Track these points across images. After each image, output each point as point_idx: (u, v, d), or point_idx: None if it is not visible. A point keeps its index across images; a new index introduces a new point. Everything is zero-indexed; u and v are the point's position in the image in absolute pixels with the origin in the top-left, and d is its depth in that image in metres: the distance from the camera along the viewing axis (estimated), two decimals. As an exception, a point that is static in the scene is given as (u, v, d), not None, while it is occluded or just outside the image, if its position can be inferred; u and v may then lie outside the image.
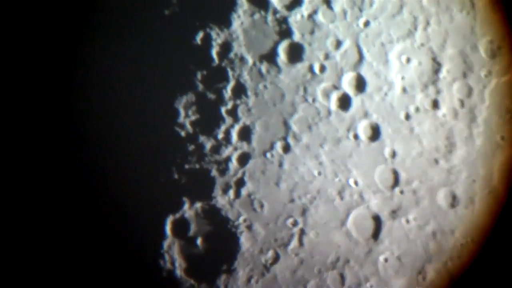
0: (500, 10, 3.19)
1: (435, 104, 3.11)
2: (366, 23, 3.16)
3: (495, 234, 3.05)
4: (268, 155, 3.03)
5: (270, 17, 3.13)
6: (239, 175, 3.02)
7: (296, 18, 3.14)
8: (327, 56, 3.12)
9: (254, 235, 2.99)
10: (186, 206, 3.01)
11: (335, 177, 3.04)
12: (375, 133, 3.09)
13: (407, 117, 3.10)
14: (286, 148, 3.04)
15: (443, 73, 3.14)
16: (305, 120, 3.07)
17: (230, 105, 3.07)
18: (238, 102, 3.07)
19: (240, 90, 3.08)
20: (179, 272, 2.98)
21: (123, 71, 3.09)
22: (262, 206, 3.00)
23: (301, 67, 3.11)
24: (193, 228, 3.01)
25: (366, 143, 3.08)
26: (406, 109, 3.11)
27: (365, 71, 3.12)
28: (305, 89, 3.09)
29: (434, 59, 3.15)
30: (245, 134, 3.05)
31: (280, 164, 3.03)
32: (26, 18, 3.14)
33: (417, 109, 3.11)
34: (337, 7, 3.16)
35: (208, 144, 3.04)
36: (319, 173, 3.03)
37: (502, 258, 3.04)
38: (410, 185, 3.05)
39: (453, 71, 3.15)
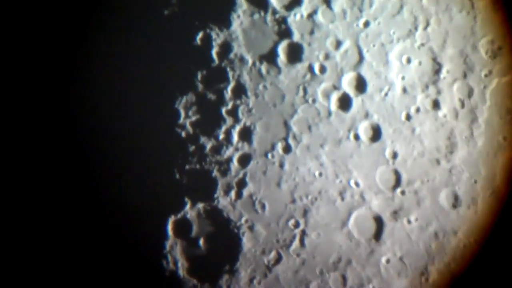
0: (500, 10, 3.19)
1: (436, 105, 3.11)
2: (366, 23, 3.16)
3: (498, 235, 3.04)
4: (269, 156, 3.03)
5: (269, 17, 3.14)
6: (241, 176, 3.02)
7: (296, 18, 3.15)
8: (327, 57, 3.13)
9: (256, 235, 2.98)
10: (188, 207, 3.01)
11: (336, 178, 3.03)
12: (376, 133, 3.09)
13: (408, 117, 3.10)
14: (287, 149, 3.04)
15: (444, 73, 3.14)
16: (305, 121, 3.07)
17: (230, 105, 3.07)
18: (238, 102, 3.07)
19: (240, 91, 3.08)
20: (181, 272, 2.97)
21: (123, 71, 3.09)
22: (263, 207, 3.00)
23: (301, 67, 3.11)
24: (195, 229, 3.00)
25: (367, 143, 3.07)
26: (407, 109, 3.10)
27: (365, 71, 3.12)
28: (305, 90, 3.09)
29: (434, 59, 3.15)
30: (246, 134, 3.05)
31: (281, 165, 3.02)
32: (28, 18, 3.16)
33: (418, 110, 3.10)
34: (336, 7, 3.16)
35: (209, 145, 3.04)
36: (320, 174, 3.03)
37: (505, 258, 3.02)
38: (411, 185, 3.04)
39: (454, 71, 3.15)
